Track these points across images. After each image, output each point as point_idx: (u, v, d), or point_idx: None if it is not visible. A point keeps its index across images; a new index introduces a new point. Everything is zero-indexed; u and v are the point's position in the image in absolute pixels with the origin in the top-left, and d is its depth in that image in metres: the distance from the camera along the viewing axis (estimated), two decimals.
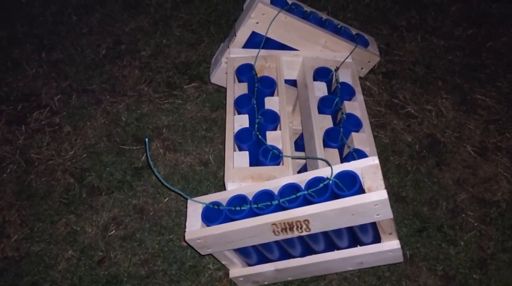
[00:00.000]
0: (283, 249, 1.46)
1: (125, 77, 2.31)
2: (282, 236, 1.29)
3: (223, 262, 1.51)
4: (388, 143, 2.08)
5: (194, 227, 1.31)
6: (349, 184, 1.21)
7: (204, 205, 1.33)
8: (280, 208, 1.26)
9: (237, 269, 1.55)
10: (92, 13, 2.60)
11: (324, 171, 1.26)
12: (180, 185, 1.91)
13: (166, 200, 1.87)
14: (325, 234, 1.37)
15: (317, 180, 1.24)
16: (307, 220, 1.23)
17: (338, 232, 1.35)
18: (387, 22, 2.59)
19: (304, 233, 1.28)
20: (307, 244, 1.44)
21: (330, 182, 1.22)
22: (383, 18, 2.61)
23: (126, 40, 2.48)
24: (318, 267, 1.51)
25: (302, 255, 1.48)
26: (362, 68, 1.88)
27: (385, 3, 2.70)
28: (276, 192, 1.28)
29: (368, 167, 1.21)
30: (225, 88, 1.75)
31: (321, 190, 1.22)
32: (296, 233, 1.28)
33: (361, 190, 1.21)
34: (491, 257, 1.75)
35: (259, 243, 1.34)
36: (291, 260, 1.50)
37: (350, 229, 1.36)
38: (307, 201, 1.24)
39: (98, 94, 2.23)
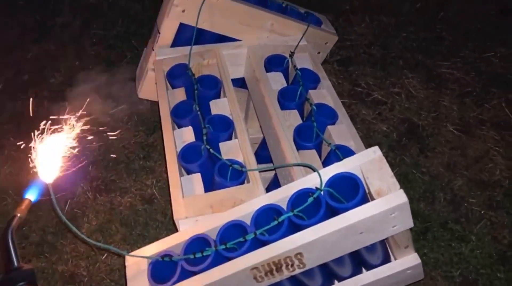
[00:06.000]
0: None
1: (33, 112, 1.85)
2: (267, 282, 0.91)
3: None
4: (362, 136, 1.77)
5: None
6: (349, 192, 0.86)
7: (150, 260, 0.93)
8: (259, 243, 0.88)
9: None
10: None
11: (309, 181, 0.91)
12: (120, 234, 1.48)
13: (104, 256, 1.42)
14: (322, 267, 1.00)
15: (303, 194, 0.88)
16: (300, 254, 0.86)
17: (339, 258, 0.99)
18: (329, 9, 2.32)
19: (297, 271, 0.91)
20: (299, 282, 1.06)
21: (322, 193, 0.87)
22: (324, 5, 2.35)
23: (29, 68, 2.03)
24: None
25: None
26: (319, 52, 1.57)
27: None
28: (248, 222, 0.91)
29: (369, 163, 0.87)
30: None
31: (312, 207, 0.86)
32: (286, 274, 0.90)
33: (366, 197, 0.86)
34: (510, 247, 1.47)
35: None
36: None
37: (353, 256, 1.00)
38: (295, 227, 0.87)
39: None
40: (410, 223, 0.88)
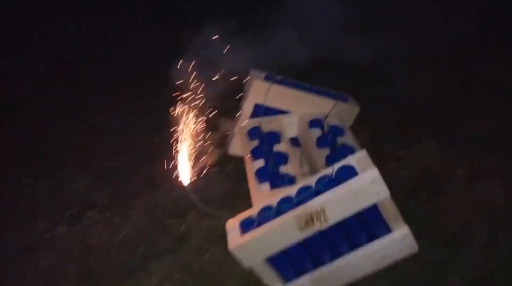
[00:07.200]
0: (313, 256, 1.69)
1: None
2: (307, 232, 1.57)
3: (265, 282, 1.73)
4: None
5: (236, 239, 1.60)
6: (349, 174, 1.55)
7: (239, 221, 1.65)
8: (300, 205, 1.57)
9: None
10: None
11: (329, 171, 1.62)
12: (218, 245, 2.18)
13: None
14: (345, 233, 1.64)
15: (324, 177, 1.58)
16: (324, 210, 1.53)
17: (354, 227, 1.62)
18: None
19: (324, 225, 1.56)
20: (333, 247, 1.68)
21: (333, 175, 1.57)
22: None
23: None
24: (346, 271, 1.72)
25: (331, 259, 1.71)
26: (349, 121, 2.32)
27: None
28: (294, 196, 1.61)
29: (359, 158, 1.57)
30: (243, 160, 2.16)
31: (328, 183, 1.56)
32: (317, 226, 1.56)
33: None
34: None
35: (290, 242, 1.60)
36: (322, 268, 1.72)
37: (364, 225, 1.63)
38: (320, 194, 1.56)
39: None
40: (386, 192, 1.52)
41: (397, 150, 2.62)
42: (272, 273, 1.70)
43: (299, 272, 1.73)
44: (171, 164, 2.31)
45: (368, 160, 1.55)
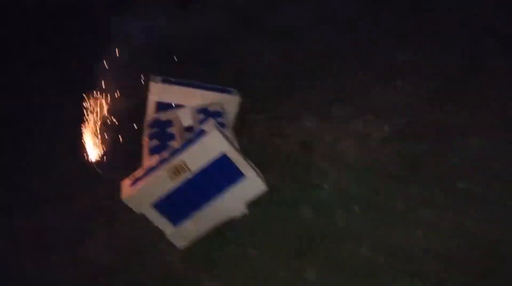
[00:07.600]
0: (190, 201, 2.31)
1: None
2: (177, 180, 2.20)
3: (158, 225, 2.33)
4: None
5: (126, 191, 2.23)
6: (201, 135, 2.20)
7: (131, 178, 2.27)
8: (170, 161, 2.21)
9: (170, 229, 2.35)
10: None
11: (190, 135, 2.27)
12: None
13: None
14: (209, 180, 2.27)
15: (187, 139, 2.23)
16: (184, 162, 2.17)
17: (215, 174, 2.25)
18: None
19: (188, 174, 2.19)
20: (203, 192, 2.30)
21: (191, 137, 2.21)
22: None
23: None
24: (219, 211, 2.33)
25: (204, 202, 2.32)
26: (232, 108, 2.98)
27: None
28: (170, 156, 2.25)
29: (210, 124, 2.22)
30: None
31: (188, 143, 2.20)
32: (184, 175, 2.19)
33: None
34: None
35: (167, 190, 2.22)
36: (200, 210, 2.33)
37: (222, 172, 2.27)
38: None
39: None
40: (227, 145, 2.16)
41: (285, 129, 3.28)
42: (162, 218, 2.31)
43: (183, 215, 2.35)
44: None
45: (215, 126, 2.20)
